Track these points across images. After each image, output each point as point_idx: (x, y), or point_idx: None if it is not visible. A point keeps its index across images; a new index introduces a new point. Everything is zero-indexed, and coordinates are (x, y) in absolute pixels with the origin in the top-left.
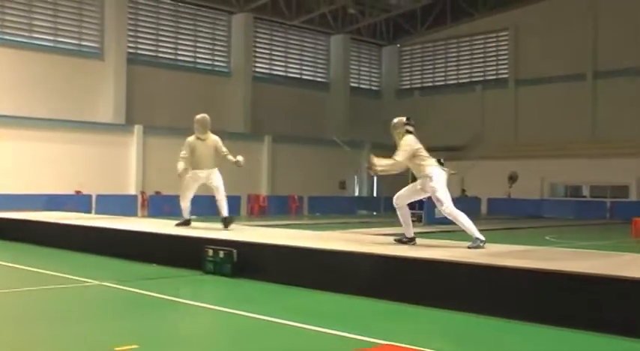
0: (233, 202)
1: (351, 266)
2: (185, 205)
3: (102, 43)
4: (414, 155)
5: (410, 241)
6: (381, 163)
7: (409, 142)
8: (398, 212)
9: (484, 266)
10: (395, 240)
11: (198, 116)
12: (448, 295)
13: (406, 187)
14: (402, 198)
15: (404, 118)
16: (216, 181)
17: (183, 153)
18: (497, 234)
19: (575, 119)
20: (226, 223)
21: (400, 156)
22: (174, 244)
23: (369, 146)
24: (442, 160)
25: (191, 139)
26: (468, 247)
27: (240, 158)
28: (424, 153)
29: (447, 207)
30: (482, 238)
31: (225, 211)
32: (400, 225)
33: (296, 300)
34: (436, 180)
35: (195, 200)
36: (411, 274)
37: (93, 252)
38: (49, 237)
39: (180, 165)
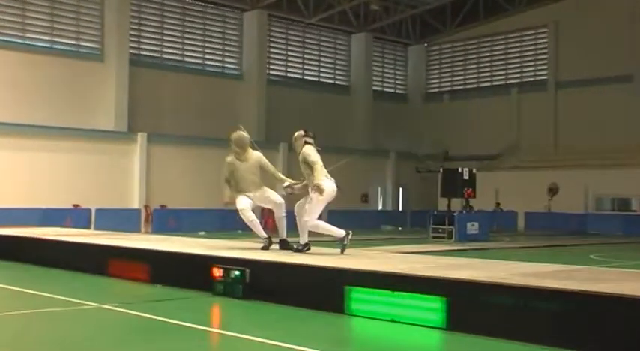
0: None
1: (379, 287)
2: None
3: (102, 44)
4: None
5: (304, 247)
6: (317, 179)
7: (311, 152)
8: (297, 221)
9: (521, 288)
10: (293, 249)
11: (234, 135)
12: (478, 319)
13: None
14: (300, 207)
15: (302, 132)
16: (272, 196)
17: (225, 176)
18: (536, 252)
19: (623, 125)
20: (284, 246)
21: (315, 158)
22: (180, 263)
23: (395, 156)
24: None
25: (229, 159)
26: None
27: (291, 184)
28: (321, 163)
29: (308, 221)
30: (346, 234)
31: (284, 233)
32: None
33: (316, 325)
34: (322, 192)
35: (203, 214)
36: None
37: (92, 271)
38: (44, 255)
39: (226, 193)
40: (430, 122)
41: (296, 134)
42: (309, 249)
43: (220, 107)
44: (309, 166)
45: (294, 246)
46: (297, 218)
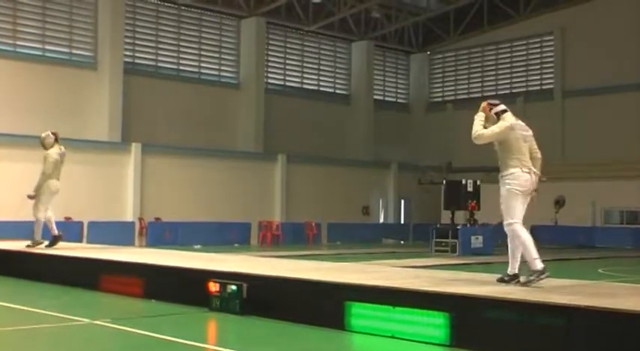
0: (242, 229)
1: (379, 302)
2: None
3: (95, 51)
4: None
5: (536, 276)
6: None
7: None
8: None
9: (526, 303)
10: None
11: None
12: (482, 336)
13: None
14: None
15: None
16: None
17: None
18: None
19: (632, 135)
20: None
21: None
22: (176, 277)
23: (396, 167)
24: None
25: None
26: (522, 282)
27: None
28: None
29: (514, 224)
30: (543, 270)
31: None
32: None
33: (316, 341)
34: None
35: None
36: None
37: (84, 286)
38: (34, 270)
39: None
40: (433, 132)
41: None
42: (545, 276)
43: (217, 117)
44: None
45: (505, 277)
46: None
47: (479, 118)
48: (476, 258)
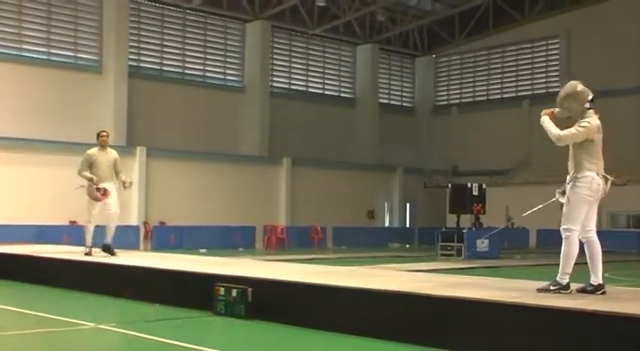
0: (247, 233)
1: (384, 307)
2: None
3: (100, 55)
4: None
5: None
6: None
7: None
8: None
9: (532, 307)
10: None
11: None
12: (486, 339)
13: None
14: None
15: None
16: None
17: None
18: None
19: (639, 139)
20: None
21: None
22: (180, 281)
23: (402, 171)
24: None
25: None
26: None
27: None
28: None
29: (569, 232)
30: (600, 285)
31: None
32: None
33: (321, 346)
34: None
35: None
36: (450, 317)
37: (88, 290)
38: (38, 274)
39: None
40: (438, 136)
41: (578, 88)
42: (565, 293)
43: (222, 121)
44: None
45: (551, 287)
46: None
47: (547, 121)
48: (481, 262)
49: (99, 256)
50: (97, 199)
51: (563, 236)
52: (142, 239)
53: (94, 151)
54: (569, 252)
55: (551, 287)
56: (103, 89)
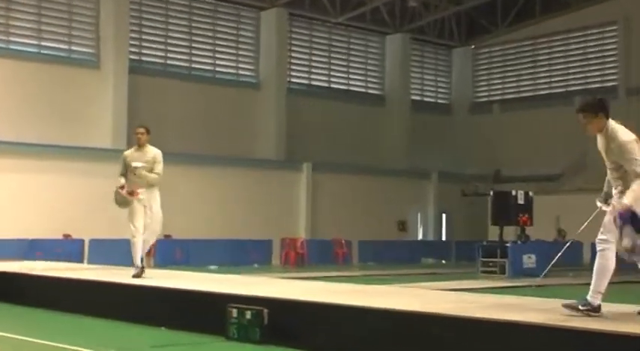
0: (262, 248)
1: (417, 331)
2: None
3: (97, 48)
4: None
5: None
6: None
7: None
8: None
9: (584, 332)
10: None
11: None
12: None
13: None
14: None
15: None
16: None
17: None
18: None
19: None
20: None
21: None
22: (188, 302)
23: (437, 176)
24: None
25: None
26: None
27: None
28: None
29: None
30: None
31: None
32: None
33: None
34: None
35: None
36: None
37: (86, 313)
38: (29, 294)
39: None
40: (478, 137)
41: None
42: (595, 315)
43: (234, 121)
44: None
45: (580, 306)
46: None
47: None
48: (528, 280)
49: (150, 279)
50: (125, 203)
51: (599, 248)
52: (145, 254)
53: (129, 150)
54: (604, 267)
55: (581, 307)
56: (100, 86)
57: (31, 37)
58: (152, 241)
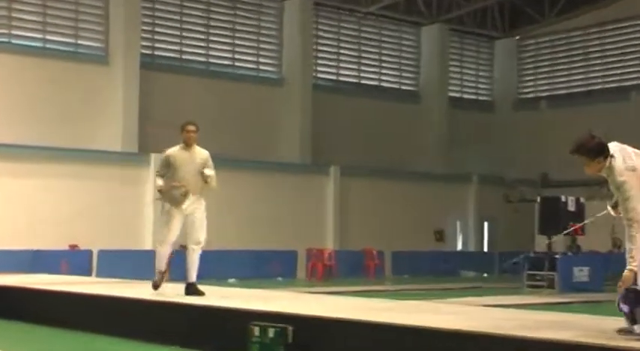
0: (286, 260)
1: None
2: None
3: (106, 42)
4: None
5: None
6: None
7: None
8: None
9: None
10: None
11: None
12: None
13: None
14: None
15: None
16: None
17: None
18: None
19: None
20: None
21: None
22: (204, 319)
23: (478, 180)
24: None
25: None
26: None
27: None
28: None
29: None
30: None
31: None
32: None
33: None
34: None
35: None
36: None
37: (93, 330)
38: (32, 309)
39: None
40: (523, 136)
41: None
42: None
43: (254, 120)
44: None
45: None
46: None
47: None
48: (579, 295)
49: (171, 294)
50: (177, 202)
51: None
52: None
53: (174, 149)
54: None
55: (638, 330)
56: (109, 83)
57: (34, 31)
58: (196, 252)
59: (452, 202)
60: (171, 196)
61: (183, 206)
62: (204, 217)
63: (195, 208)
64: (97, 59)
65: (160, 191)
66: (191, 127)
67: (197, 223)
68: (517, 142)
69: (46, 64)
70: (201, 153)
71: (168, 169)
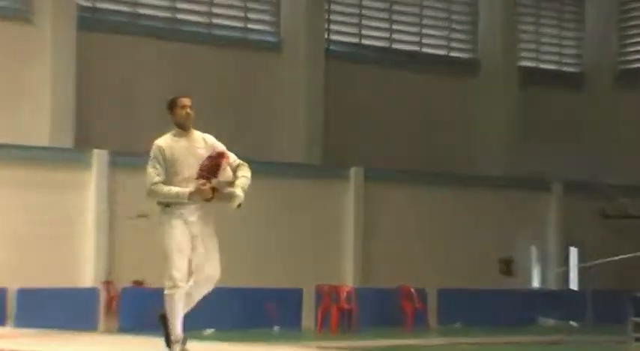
0: (287, 301)
1: None
2: None
3: None
4: None
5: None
6: None
7: None
8: None
9: None
10: None
11: None
12: None
13: None
14: None
15: None
16: None
17: None
18: None
19: None
20: None
21: None
22: None
23: (561, 188)
24: None
25: None
26: None
27: None
28: None
29: None
30: None
31: None
32: None
33: None
34: None
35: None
36: None
37: None
38: None
39: None
40: (627, 124)
41: None
42: None
43: (242, 100)
44: None
45: None
46: None
47: None
48: None
49: None
50: (205, 196)
51: None
52: (103, 312)
53: (165, 139)
54: None
55: None
56: (35, 48)
57: None
58: (204, 293)
59: (524, 220)
60: (201, 192)
61: (191, 218)
62: (215, 240)
63: (208, 222)
64: (17, 14)
65: (176, 196)
66: (186, 101)
67: (212, 252)
68: (617, 133)
69: None
70: (204, 139)
71: (162, 167)
